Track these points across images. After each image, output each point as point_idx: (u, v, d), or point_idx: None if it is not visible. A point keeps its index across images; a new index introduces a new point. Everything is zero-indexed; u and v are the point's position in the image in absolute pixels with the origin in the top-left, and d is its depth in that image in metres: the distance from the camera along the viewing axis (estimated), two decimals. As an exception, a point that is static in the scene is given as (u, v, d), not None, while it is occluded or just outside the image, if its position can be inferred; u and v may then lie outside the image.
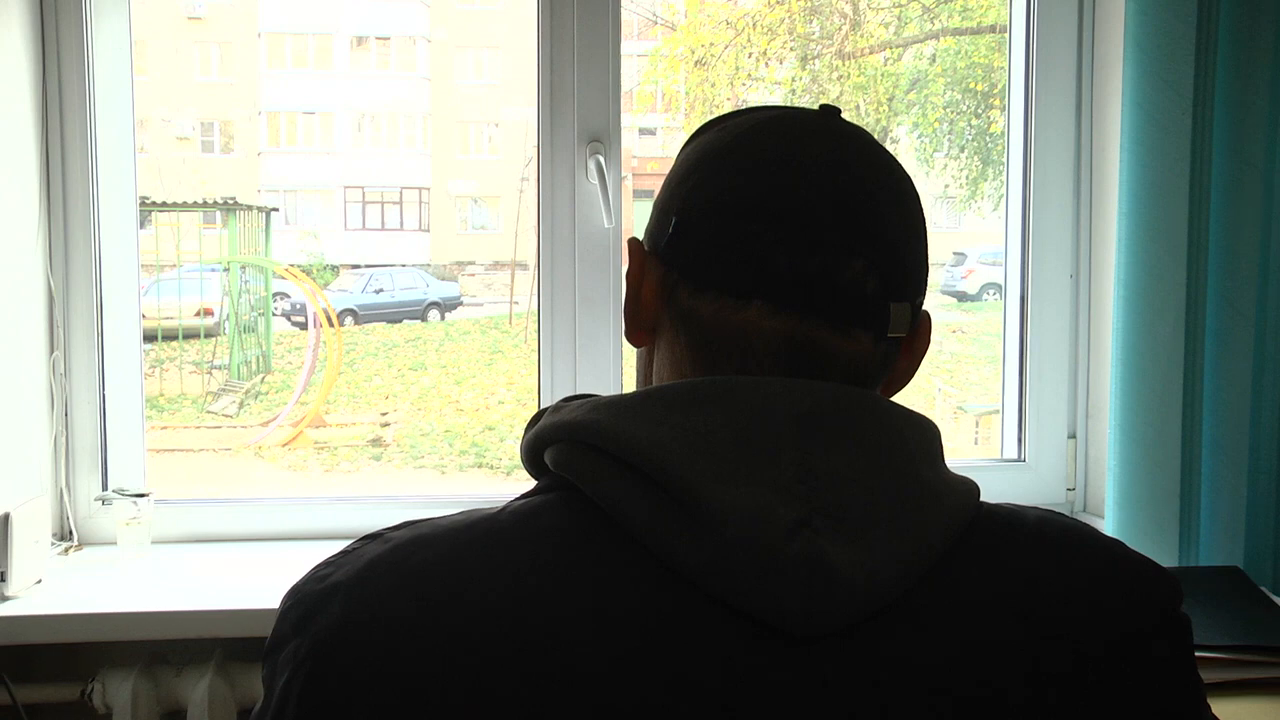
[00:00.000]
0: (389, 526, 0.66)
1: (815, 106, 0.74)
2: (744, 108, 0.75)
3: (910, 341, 0.71)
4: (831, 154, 0.68)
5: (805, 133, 0.70)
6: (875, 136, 0.73)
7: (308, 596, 0.62)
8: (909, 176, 0.73)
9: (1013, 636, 0.61)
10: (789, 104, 0.75)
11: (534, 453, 0.67)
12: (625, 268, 0.74)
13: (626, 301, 0.72)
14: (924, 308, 0.73)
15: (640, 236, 0.75)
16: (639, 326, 0.72)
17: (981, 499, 0.67)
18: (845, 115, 0.74)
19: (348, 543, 0.66)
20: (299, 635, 0.61)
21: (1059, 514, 0.70)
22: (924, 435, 0.66)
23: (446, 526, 0.63)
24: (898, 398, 0.72)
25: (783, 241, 0.65)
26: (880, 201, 0.68)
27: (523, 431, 0.70)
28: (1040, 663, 0.61)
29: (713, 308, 0.67)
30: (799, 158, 0.68)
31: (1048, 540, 0.66)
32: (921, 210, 0.72)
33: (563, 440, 0.64)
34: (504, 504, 0.65)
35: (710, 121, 0.75)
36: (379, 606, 0.60)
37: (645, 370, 0.74)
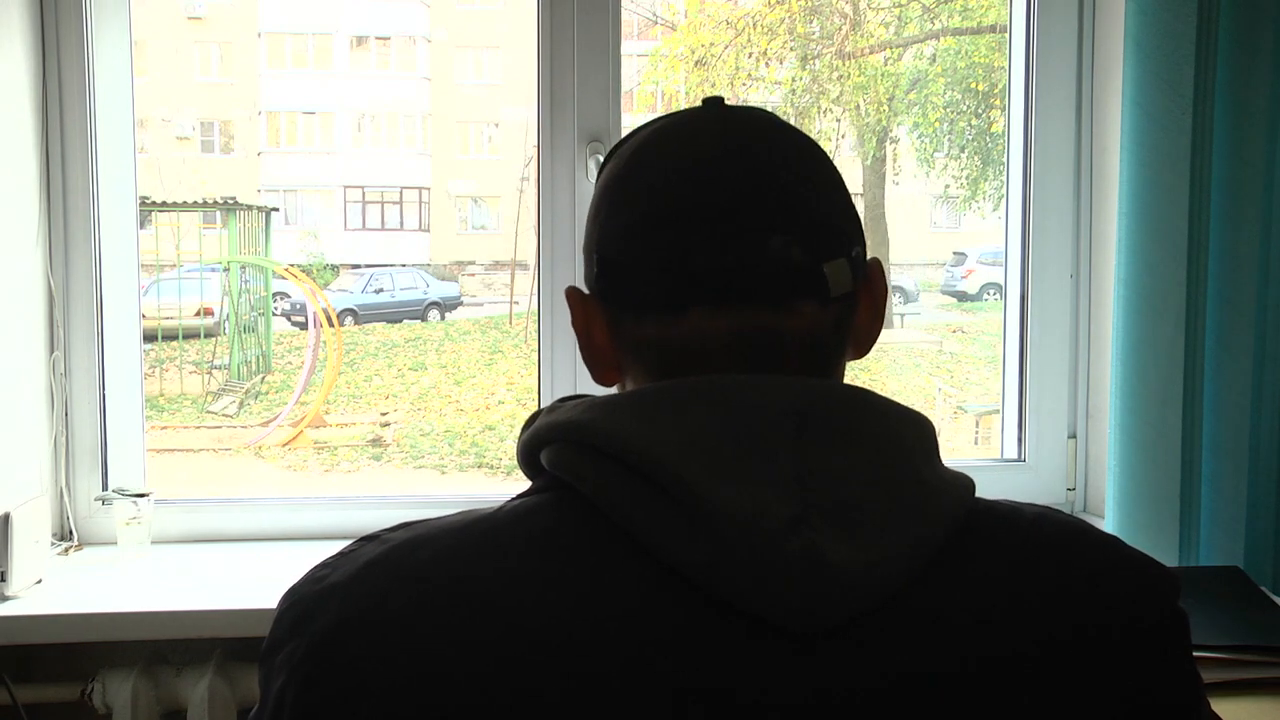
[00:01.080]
0: (386, 528, 0.66)
1: (751, 105, 0.74)
2: (635, 128, 0.75)
3: (865, 293, 0.71)
4: (720, 142, 0.69)
5: (691, 131, 0.70)
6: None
7: (305, 598, 0.63)
8: (807, 136, 0.73)
9: (1011, 631, 0.61)
10: (746, 104, 0.75)
11: (530, 453, 0.67)
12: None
13: (582, 350, 0.73)
14: (869, 256, 0.72)
15: (580, 283, 0.75)
16: (603, 368, 0.72)
17: (978, 495, 0.67)
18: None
19: (347, 543, 0.66)
20: (296, 637, 0.61)
21: (1056, 510, 0.70)
22: (920, 432, 0.66)
23: (443, 528, 0.63)
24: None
25: (695, 244, 0.66)
26: (779, 170, 0.68)
27: (519, 432, 0.70)
28: (1039, 658, 0.61)
29: (657, 329, 0.67)
30: (690, 157, 0.68)
31: (1045, 536, 0.66)
32: (828, 161, 0.72)
33: (558, 440, 0.64)
34: (500, 505, 0.65)
35: (609, 153, 0.75)
36: (376, 608, 0.60)
37: None
